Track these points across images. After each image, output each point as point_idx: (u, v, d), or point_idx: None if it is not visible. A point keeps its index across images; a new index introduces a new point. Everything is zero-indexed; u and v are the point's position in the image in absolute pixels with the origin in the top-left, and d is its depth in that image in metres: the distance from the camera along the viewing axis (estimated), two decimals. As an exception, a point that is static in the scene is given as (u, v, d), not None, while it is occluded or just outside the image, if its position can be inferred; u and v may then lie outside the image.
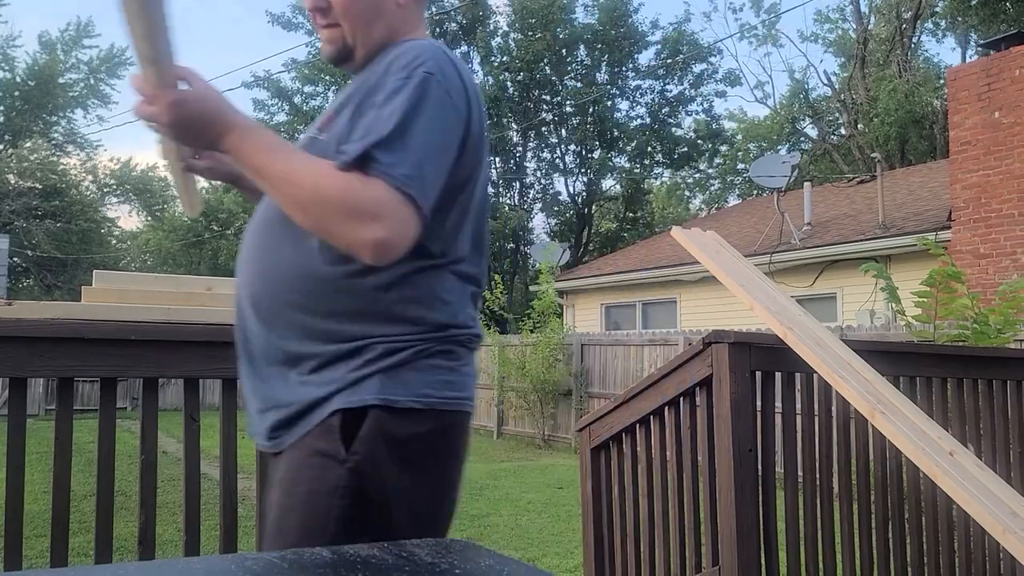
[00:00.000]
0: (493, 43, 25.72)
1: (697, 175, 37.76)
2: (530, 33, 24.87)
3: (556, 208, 27.33)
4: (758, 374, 3.62)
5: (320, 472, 1.59)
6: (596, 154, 26.33)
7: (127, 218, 72.07)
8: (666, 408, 4.03)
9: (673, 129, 27.68)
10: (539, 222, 33.72)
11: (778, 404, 3.67)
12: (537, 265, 19.31)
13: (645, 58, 27.11)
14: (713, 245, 4.25)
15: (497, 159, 26.74)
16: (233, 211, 38.44)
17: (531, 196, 27.40)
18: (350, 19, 1.80)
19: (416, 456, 1.64)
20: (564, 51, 25.46)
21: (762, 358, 3.61)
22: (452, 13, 24.69)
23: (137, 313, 2.86)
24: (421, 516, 1.65)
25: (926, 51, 36.94)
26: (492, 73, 25.45)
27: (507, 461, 13.03)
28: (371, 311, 1.65)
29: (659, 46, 26.56)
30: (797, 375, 3.73)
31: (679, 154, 27.88)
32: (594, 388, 14.58)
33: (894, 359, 3.98)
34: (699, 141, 28.58)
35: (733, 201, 35.44)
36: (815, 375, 3.64)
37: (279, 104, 26.32)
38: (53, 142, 36.55)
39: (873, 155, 21.16)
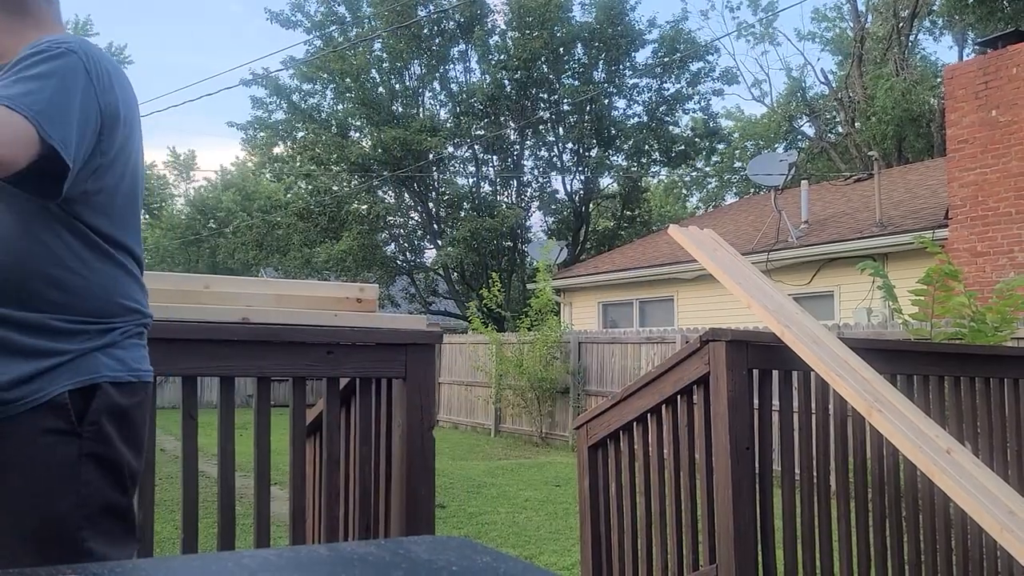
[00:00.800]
0: (490, 42, 25.69)
1: (694, 173, 37.75)
2: (527, 32, 24.82)
3: (553, 206, 27.29)
4: (755, 372, 3.62)
5: (58, 447, 1.75)
6: (593, 152, 26.30)
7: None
8: (663, 406, 4.03)
9: (670, 127, 27.63)
10: (536, 220, 33.82)
11: (775, 402, 3.67)
12: (535, 263, 19.30)
13: (642, 56, 27.10)
14: (710, 243, 4.25)
15: (495, 157, 26.71)
16: (231, 209, 38.42)
17: (528, 194, 27.35)
18: None
19: (132, 422, 1.87)
20: (561, 50, 25.40)
21: (759, 356, 3.62)
22: (450, 12, 24.66)
23: (134, 311, 2.85)
24: (134, 473, 1.89)
25: (923, 49, 36.96)
26: (489, 72, 25.40)
27: (505, 459, 13.04)
28: (79, 294, 1.82)
29: (656, 44, 26.51)
30: (794, 373, 3.74)
31: (676, 152, 27.83)
32: (591, 386, 14.58)
33: (891, 357, 3.98)
34: (696, 139, 28.54)
35: (730, 199, 35.45)
36: (812, 373, 3.64)
37: (277, 102, 26.25)
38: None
39: (870, 153, 21.16)
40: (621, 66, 26.41)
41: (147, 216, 42.28)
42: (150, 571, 1.08)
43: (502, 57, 25.38)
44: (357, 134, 26.64)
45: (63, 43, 1.81)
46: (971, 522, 3.88)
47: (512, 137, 26.44)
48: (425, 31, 25.13)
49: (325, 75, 25.74)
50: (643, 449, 4.20)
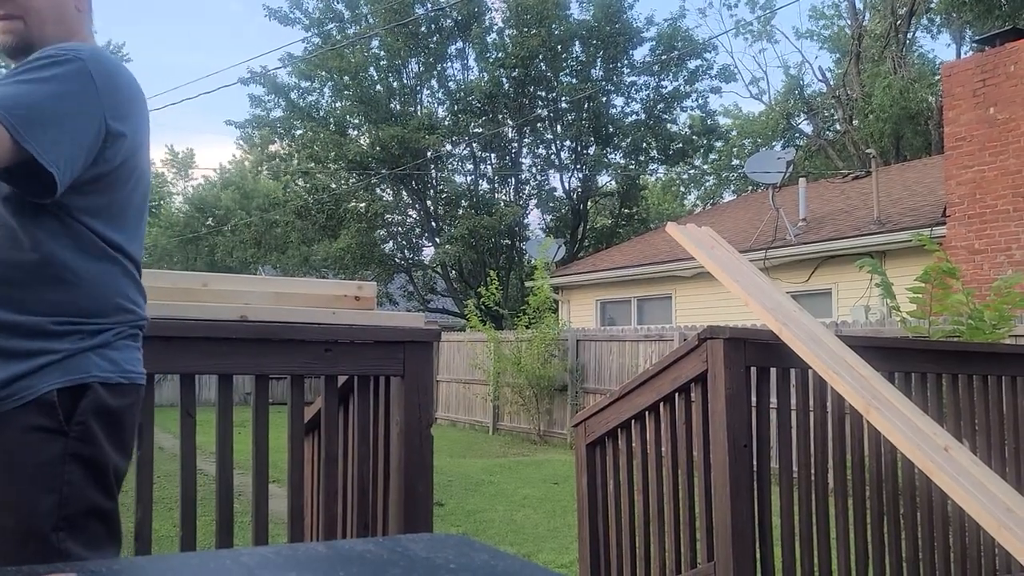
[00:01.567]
0: (488, 39, 25.66)
1: (692, 171, 37.74)
2: (525, 29, 24.79)
3: (551, 204, 27.28)
4: (753, 370, 3.62)
5: (43, 445, 1.73)
6: (591, 150, 26.27)
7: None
8: (661, 404, 4.04)
9: (668, 125, 27.61)
10: (534, 218, 33.74)
11: (773, 400, 3.67)
12: (532, 261, 19.31)
13: (640, 54, 27.08)
14: (708, 241, 4.26)
15: (492, 155, 26.69)
16: (230, 208, 38.41)
17: (526, 192, 27.34)
18: (34, 15, 1.91)
19: (121, 424, 1.86)
20: (559, 47, 25.39)
21: (757, 354, 3.62)
22: (447, 10, 24.64)
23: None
24: (120, 475, 1.88)
25: (921, 47, 36.96)
26: (487, 69, 25.39)
27: (503, 457, 13.04)
28: (74, 295, 1.82)
29: (654, 42, 26.48)
30: (792, 371, 3.74)
31: (674, 150, 27.82)
32: (589, 384, 14.59)
33: (889, 355, 3.98)
34: (694, 137, 28.53)
35: (728, 197, 35.44)
36: (810, 371, 3.64)
37: (275, 100, 26.22)
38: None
39: (868, 151, 21.17)
40: (619, 64, 26.40)
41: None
42: (149, 569, 1.08)
43: (500, 55, 25.37)
44: (355, 132, 26.61)
45: (71, 50, 1.79)
46: (969, 519, 3.88)
47: (510, 135, 26.43)
48: (423, 29, 25.11)
49: (323, 73, 25.71)
50: (641, 447, 4.20)
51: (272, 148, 29.40)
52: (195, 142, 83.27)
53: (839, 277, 13.27)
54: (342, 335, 2.89)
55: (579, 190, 27.31)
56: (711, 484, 3.60)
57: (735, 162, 35.08)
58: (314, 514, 3.36)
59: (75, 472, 1.76)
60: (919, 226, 11.95)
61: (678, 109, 27.92)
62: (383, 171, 24.92)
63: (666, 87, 27.16)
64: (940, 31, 31.01)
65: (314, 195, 25.94)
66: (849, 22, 30.83)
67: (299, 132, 26.44)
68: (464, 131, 25.46)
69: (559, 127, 26.78)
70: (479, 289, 18.00)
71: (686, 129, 28.89)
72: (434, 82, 26.53)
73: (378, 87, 25.83)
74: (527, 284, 20.49)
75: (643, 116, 27.10)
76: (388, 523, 2.94)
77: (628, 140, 26.94)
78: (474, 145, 26.08)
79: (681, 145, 28.06)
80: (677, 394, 3.93)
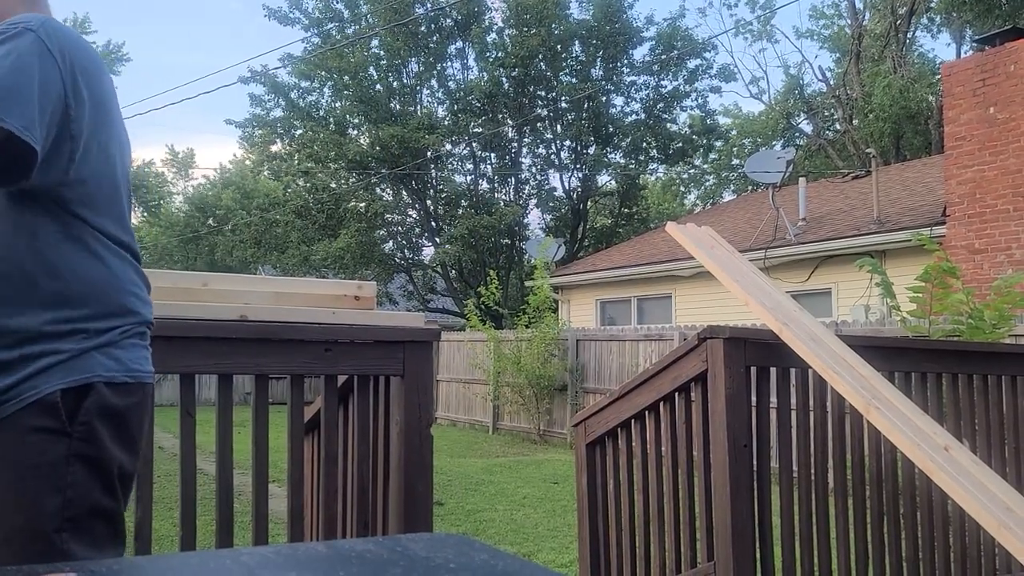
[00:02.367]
0: (488, 39, 25.67)
1: (692, 171, 37.75)
2: (525, 29, 24.79)
3: (551, 204, 27.29)
4: (753, 369, 3.62)
5: (46, 446, 1.72)
6: (591, 150, 26.27)
7: (122, 214, 71.90)
8: (661, 403, 4.04)
9: (668, 125, 27.62)
10: (534, 218, 33.76)
11: (773, 399, 3.67)
12: (532, 260, 19.31)
13: (640, 54, 27.09)
14: (708, 241, 4.26)
15: (492, 155, 26.69)
16: (231, 207, 38.39)
17: (526, 192, 27.35)
18: None
19: (126, 423, 1.84)
20: (559, 47, 25.39)
21: (757, 353, 3.62)
22: (447, 9, 24.63)
23: (132, 309, 2.86)
24: (127, 475, 1.86)
25: (921, 47, 36.93)
26: (487, 69, 25.39)
27: (503, 456, 13.04)
28: (76, 294, 1.80)
29: (654, 42, 26.49)
30: (792, 370, 3.74)
31: (674, 150, 27.82)
32: (589, 383, 14.59)
33: (889, 354, 3.98)
34: (694, 137, 28.54)
35: (728, 197, 35.44)
36: (810, 370, 3.64)
37: (275, 99, 26.23)
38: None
39: (868, 151, 21.17)
40: (619, 63, 26.40)
41: (146, 214, 42.31)
42: (149, 568, 1.08)
43: (500, 55, 25.38)
44: (355, 131, 26.62)
45: (21, 22, 1.75)
46: (969, 519, 3.88)
47: (510, 135, 26.43)
48: (423, 28, 25.11)
49: (323, 73, 25.72)
50: (641, 446, 4.20)
51: (272, 148, 29.39)
52: (195, 142, 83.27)
53: (839, 277, 13.27)
54: (342, 335, 2.89)
55: (579, 190, 27.31)
56: (711, 484, 3.60)
57: (735, 162, 35.10)
58: (314, 514, 3.36)
59: (79, 473, 1.74)
60: (919, 225, 11.95)
61: (678, 109, 27.93)
62: (383, 171, 24.93)
63: (666, 87, 27.17)
64: (940, 31, 31.02)
65: (314, 195, 25.94)
66: (849, 21, 30.83)
67: (299, 132, 26.45)
68: (464, 131, 25.47)
69: (559, 127, 26.79)
70: (479, 289, 18.00)
71: (686, 129, 28.90)
72: (434, 82, 26.54)
73: (378, 87, 25.83)
74: (527, 284, 20.49)
75: (643, 116, 27.11)
76: (388, 523, 2.94)
77: (628, 140, 26.95)
78: (474, 145, 26.09)
79: (681, 145, 28.07)
80: (677, 394, 3.93)
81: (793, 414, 3.75)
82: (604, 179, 28.40)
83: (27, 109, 1.65)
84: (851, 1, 29.70)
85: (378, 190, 26.69)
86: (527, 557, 6.39)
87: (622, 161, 27.45)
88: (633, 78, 26.89)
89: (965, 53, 27.07)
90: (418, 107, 26.52)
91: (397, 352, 2.91)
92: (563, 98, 25.81)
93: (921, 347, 4.38)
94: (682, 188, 40.19)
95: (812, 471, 3.75)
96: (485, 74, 25.51)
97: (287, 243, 27.04)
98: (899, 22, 27.79)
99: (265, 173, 33.43)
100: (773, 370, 3.72)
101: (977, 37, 13.91)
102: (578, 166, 26.85)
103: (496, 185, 27.14)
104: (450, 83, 26.40)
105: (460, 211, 25.73)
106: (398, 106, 26.04)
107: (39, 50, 1.73)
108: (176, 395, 2.74)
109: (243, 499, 6.73)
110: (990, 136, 11.19)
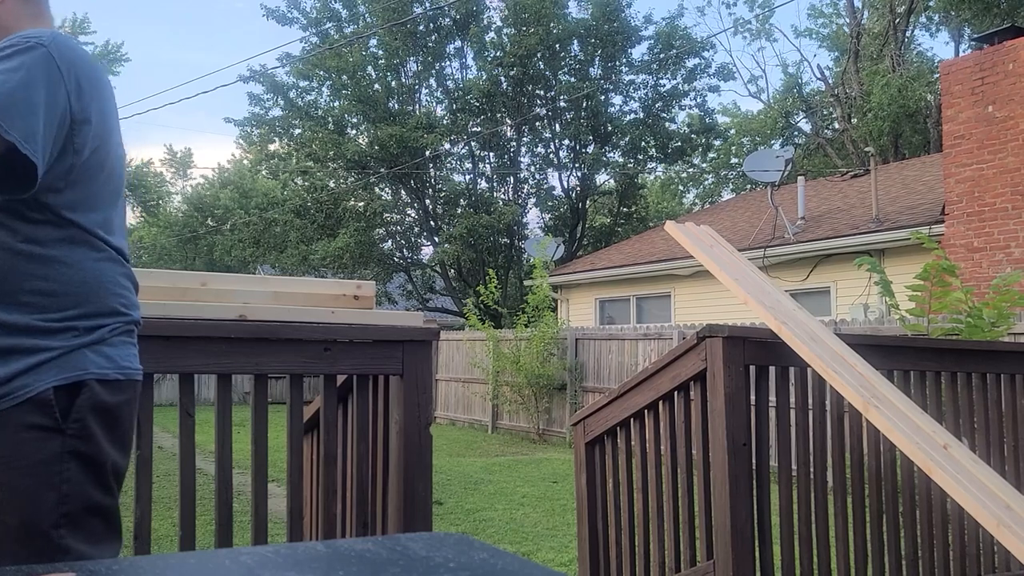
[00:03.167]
0: (486, 38, 25.67)
1: (691, 170, 37.75)
2: (523, 28, 24.79)
3: (550, 203, 27.29)
4: (752, 368, 3.62)
5: (40, 443, 1.73)
6: (590, 149, 26.26)
7: (121, 214, 72.00)
8: (660, 402, 4.04)
9: (667, 124, 27.60)
10: (533, 217, 33.71)
11: (772, 398, 3.67)
12: (531, 260, 19.30)
13: (638, 53, 27.17)
14: (707, 240, 4.26)
15: (491, 154, 26.69)
16: (229, 207, 38.39)
17: (525, 191, 27.35)
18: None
19: (119, 420, 1.86)
20: (557, 46, 25.38)
21: (756, 352, 3.62)
22: (445, 9, 24.62)
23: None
24: (119, 472, 1.87)
25: (919, 45, 36.92)
26: (485, 68, 25.39)
27: (502, 455, 13.04)
28: (66, 292, 1.81)
29: (652, 41, 26.48)
30: (791, 369, 3.74)
31: (673, 149, 27.81)
32: (588, 382, 14.59)
33: (888, 353, 3.99)
34: (693, 136, 28.51)
35: (727, 196, 35.45)
36: (809, 369, 3.64)
37: (274, 99, 26.21)
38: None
39: (867, 149, 21.18)
40: (617, 62, 26.40)
41: (144, 214, 42.31)
42: (148, 568, 1.08)
43: (498, 54, 25.37)
44: (354, 131, 26.61)
45: (33, 37, 1.77)
46: (968, 518, 3.89)
47: (508, 134, 26.43)
48: (421, 28, 25.10)
49: (321, 72, 25.71)
50: (640, 445, 4.21)
51: (271, 147, 29.39)
52: (194, 141, 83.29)
53: (838, 275, 13.28)
54: (341, 334, 2.89)
55: (578, 189, 27.31)
56: (710, 483, 3.60)
57: (734, 161, 35.10)
58: (313, 513, 3.36)
59: (73, 469, 1.75)
60: (918, 224, 11.96)
61: (676, 108, 27.92)
62: (382, 170, 24.92)
63: (664, 86, 27.16)
64: (939, 29, 31.02)
65: (313, 194, 25.93)
66: (848, 20, 30.84)
67: (298, 131, 26.44)
68: (462, 130, 25.46)
69: (557, 126, 26.78)
70: (478, 288, 17.99)
71: (685, 128, 28.88)
72: (432, 81, 26.54)
73: (376, 86, 25.83)
74: (526, 283, 20.49)
75: (641, 115, 27.10)
76: (387, 522, 2.94)
77: (626, 139, 26.94)
78: (472, 144, 26.08)
79: (680, 144, 28.06)
80: (676, 393, 3.93)
81: (792, 413, 3.75)
82: (603, 178, 28.42)
83: (32, 123, 1.67)
84: (850, 0, 29.71)
85: (377, 189, 26.69)
86: (526, 556, 6.39)
87: (621, 160, 27.44)
88: (632, 77, 26.89)
89: (964, 51, 27.08)
90: (417, 106, 26.52)
91: (396, 351, 2.91)
92: (562, 97, 25.80)
93: (920, 346, 4.38)
94: (681, 187, 40.20)
95: (811, 470, 3.75)
96: (483, 73, 25.51)
97: (286, 243, 27.03)
98: (898, 21, 27.81)
99: (264, 173, 33.43)
100: (772, 369, 3.72)
101: (975, 35, 13.91)
102: (577, 165, 26.84)
103: (495, 184, 27.14)
104: (448, 82, 26.40)
105: (459, 210, 25.73)
106: (397, 105, 26.02)
107: (48, 66, 1.75)
108: (175, 395, 2.73)
109: (242, 499, 6.73)
110: (989, 134, 11.20)
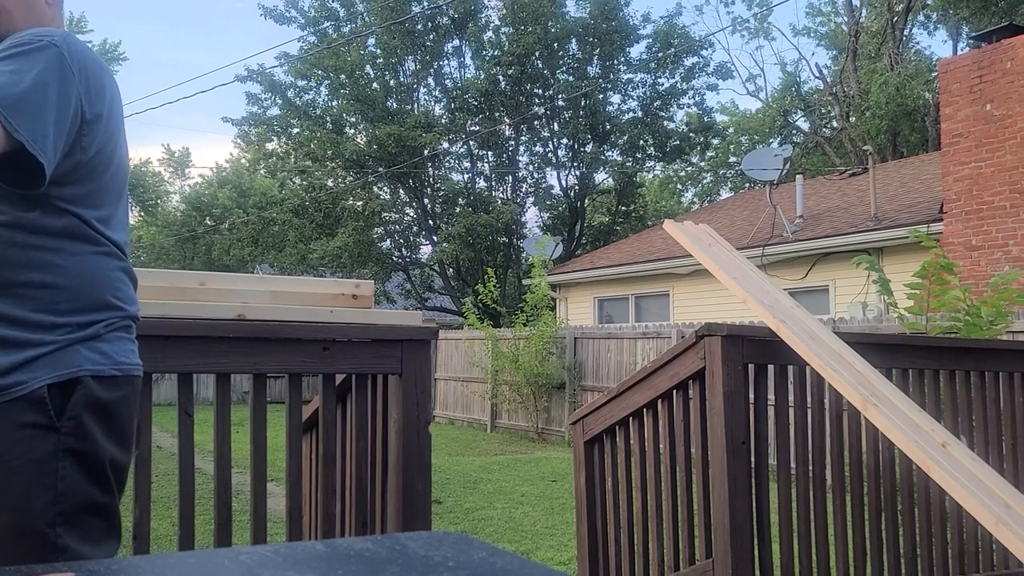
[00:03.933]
0: (484, 37, 25.67)
1: (689, 168, 37.78)
2: (521, 27, 24.78)
3: (548, 202, 27.30)
4: (751, 367, 3.63)
5: (35, 442, 1.72)
6: (588, 148, 26.26)
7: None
8: (659, 401, 4.04)
9: (665, 122, 27.61)
10: (532, 216, 33.73)
11: (771, 396, 3.68)
12: (530, 259, 19.30)
13: (636, 52, 27.18)
14: (705, 238, 4.26)
15: (489, 153, 26.70)
16: (228, 207, 38.39)
17: (523, 190, 27.37)
18: (3, 15, 1.92)
19: (116, 416, 1.85)
20: (555, 45, 25.38)
21: (755, 351, 3.62)
22: (443, 8, 24.61)
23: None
24: (119, 467, 1.87)
25: (918, 44, 36.93)
26: (484, 67, 25.39)
27: (501, 454, 13.04)
28: (61, 287, 1.81)
29: (650, 39, 26.48)
30: (790, 367, 3.74)
31: (671, 147, 27.83)
32: (587, 381, 14.59)
33: (887, 351, 3.99)
34: (691, 134, 28.52)
35: (725, 194, 35.47)
36: (808, 368, 3.64)
37: (272, 98, 26.21)
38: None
39: (865, 148, 21.19)
40: (615, 61, 26.40)
41: (143, 213, 42.29)
42: (147, 568, 1.08)
43: (496, 53, 25.37)
44: (352, 130, 26.61)
45: (45, 36, 1.78)
46: (967, 516, 3.89)
47: (507, 133, 26.44)
48: (419, 27, 25.09)
49: (319, 71, 25.71)
50: (639, 444, 4.21)
51: (269, 146, 29.38)
52: (192, 140, 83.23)
53: (836, 274, 13.28)
54: (340, 333, 2.89)
55: (576, 188, 27.31)
56: (709, 481, 3.60)
57: (732, 159, 35.12)
58: (312, 512, 3.36)
59: (69, 467, 1.75)
60: (916, 222, 11.96)
61: (675, 106, 27.94)
62: (380, 169, 24.92)
63: (663, 84, 27.17)
64: (937, 28, 31.04)
65: (311, 193, 25.93)
66: (846, 19, 30.85)
67: (296, 130, 26.44)
68: (461, 129, 25.46)
69: (556, 125, 26.79)
70: (477, 287, 17.99)
71: (683, 126, 28.89)
72: (431, 80, 26.54)
73: (375, 85, 25.82)
74: (525, 282, 20.49)
75: (640, 113, 27.11)
76: (386, 521, 2.94)
77: (625, 137, 26.95)
78: (471, 143, 26.08)
79: (678, 142, 28.08)
80: (675, 391, 3.93)
81: (791, 411, 3.75)
82: (601, 177, 28.43)
83: (41, 123, 1.68)
84: (848, -2, 29.73)
85: (375, 189, 26.69)
86: (525, 555, 6.40)
87: (619, 159, 27.44)
88: (630, 76, 26.89)
89: (962, 50, 27.09)
90: (415, 105, 26.52)
91: (395, 351, 2.91)
92: (560, 96, 25.80)
93: (918, 344, 4.38)
94: (679, 186, 40.21)
95: (810, 468, 3.75)
96: (482, 72, 25.51)
97: (284, 242, 27.04)
98: (896, 19, 27.82)
99: (262, 172, 33.42)
100: (771, 367, 3.72)
101: (974, 34, 13.92)
102: (575, 164, 26.85)
103: (493, 183, 27.15)
104: (447, 81, 26.40)
105: (457, 209, 25.73)
106: (395, 104, 26.02)
107: (60, 66, 1.76)
108: (174, 394, 2.73)
109: (241, 498, 6.72)
110: (987, 133, 11.20)
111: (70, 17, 35.37)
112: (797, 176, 16.30)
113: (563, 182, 27.42)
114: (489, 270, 17.95)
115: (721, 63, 28.22)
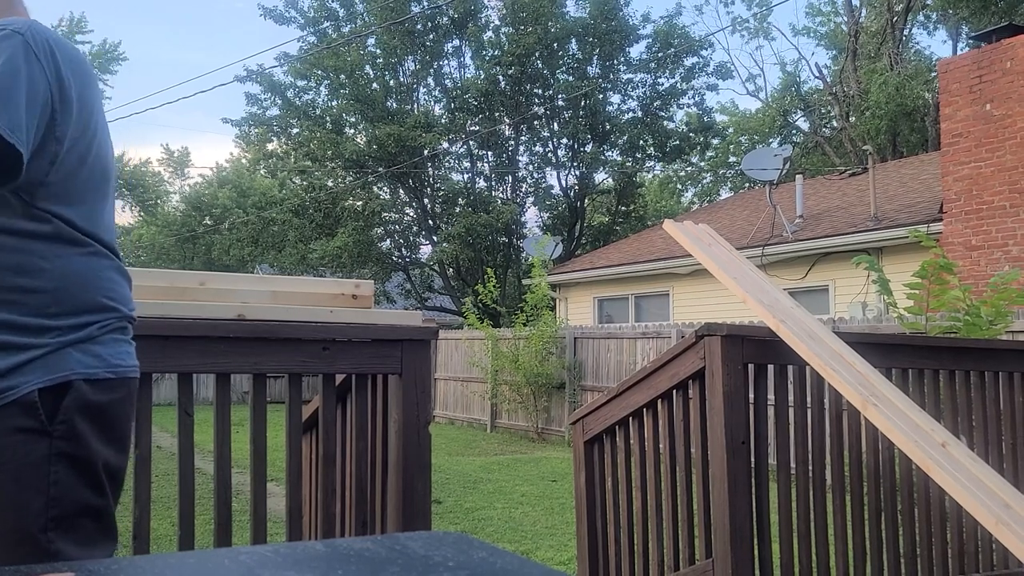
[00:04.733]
0: (484, 37, 25.67)
1: (689, 168, 37.77)
2: (521, 27, 24.79)
3: (548, 202, 27.31)
4: (751, 366, 3.63)
5: (27, 447, 1.70)
6: (588, 148, 26.26)
7: (120, 213, 71.99)
8: (659, 401, 4.04)
9: (665, 122, 27.62)
10: (531, 216, 33.74)
11: (771, 396, 3.68)
12: (530, 259, 19.30)
13: (636, 52, 27.20)
14: (705, 238, 4.26)
15: (489, 153, 26.70)
16: (227, 206, 38.38)
17: (523, 190, 27.38)
18: None
19: (110, 419, 1.82)
20: (555, 45, 25.38)
21: (755, 350, 3.62)
22: (443, 8, 24.60)
23: (129, 308, 2.85)
24: (115, 471, 1.84)
25: (917, 44, 36.92)
26: (483, 67, 25.39)
27: (501, 454, 13.04)
28: (50, 289, 1.78)
29: (650, 39, 26.49)
30: (790, 367, 3.74)
31: (671, 147, 27.85)
32: (587, 381, 14.59)
33: (886, 351, 3.99)
34: (691, 134, 28.53)
35: (725, 194, 35.48)
36: (808, 368, 3.64)
37: (272, 98, 26.21)
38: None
39: (865, 148, 21.17)
40: (615, 61, 26.40)
41: (143, 213, 42.29)
42: (147, 568, 1.08)
43: (496, 53, 25.37)
44: (352, 130, 26.61)
45: (8, 25, 1.75)
46: (966, 515, 3.89)
47: (507, 133, 26.44)
48: (419, 27, 25.09)
49: (319, 71, 25.71)
50: (639, 444, 4.21)
51: (269, 146, 29.39)
52: (192, 140, 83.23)
53: (836, 274, 13.28)
54: (340, 333, 2.89)
55: (576, 187, 27.31)
56: (709, 481, 3.61)
57: (732, 159, 35.12)
58: (312, 512, 3.36)
59: (62, 471, 1.73)
60: (916, 222, 11.96)
61: (675, 106, 27.95)
62: (380, 169, 24.92)
63: (662, 84, 27.18)
64: (936, 27, 31.05)
65: (311, 193, 25.94)
66: (846, 19, 30.84)
67: (296, 131, 26.44)
68: (461, 129, 25.46)
69: (556, 125, 26.79)
70: (476, 287, 17.99)
71: (683, 126, 28.90)
72: (430, 80, 26.55)
73: (374, 85, 25.83)
74: (524, 282, 20.49)
75: (640, 113, 27.11)
76: (386, 521, 2.94)
77: (625, 137, 26.96)
78: (471, 143, 26.08)
79: (678, 142, 28.08)
80: (675, 391, 3.93)
81: (791, 411, 3.75)
82: (601, 177, 28.44)
83: (14, 112, 1.64)
84: (848, -2, 29.73)
85: (375, 189, 26.69)
86: (525, 555, 6.40)
87: (619, 159, 27.44)
88: (630, 76, 26.90)
89: (961, 50, 27.09)
90: (415, 105, 26.52)
91: (395, 351, 2.91)
92: (560, 96, 25.81)
93: (918, 344, 4.38)
94: (679, 186, 40.21)
95: (810, 468, 3.75)
96: (482, 72, 25.51)
97: (284, 242, 27.05)
98: (895, 19, 27.82)
99: (262, 172, 33.44)
100: (771, 367, 3.72)
101: (973, 34, 13.92)
102: (575, 164, 26.85)
103: (493, 183, 27.15)
104: (447, 81, 26.40)
105: (457, 209, 25.74)
106: (395, 104, 26.02)
107: (26, 53, 1.72)
108: (174, 394, 2.73)
109: (241, 498, 6.72)
110: (987, 133, 11.20)
111: (70, 17, 35.37)
112: (797, 176, 16.31)
113: (563, 182, 27.44)
114: (489, 270, 17.95)
115: (721, 63, 28.24)
